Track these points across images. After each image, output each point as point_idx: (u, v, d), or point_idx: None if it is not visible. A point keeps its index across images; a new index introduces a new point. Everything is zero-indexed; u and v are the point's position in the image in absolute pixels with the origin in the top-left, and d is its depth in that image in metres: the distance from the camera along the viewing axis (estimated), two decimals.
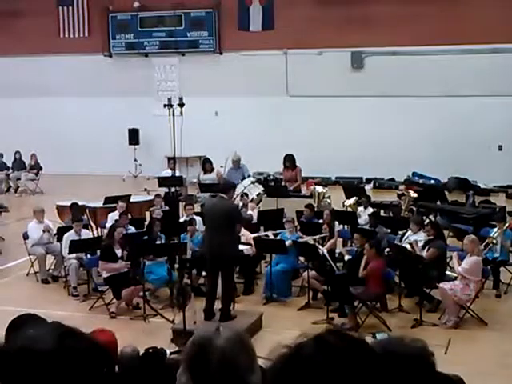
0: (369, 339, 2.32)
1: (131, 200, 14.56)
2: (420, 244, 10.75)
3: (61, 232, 12.06)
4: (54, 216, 14.09)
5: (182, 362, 2.06)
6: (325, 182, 19.08)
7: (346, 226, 12.96)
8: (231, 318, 9.43)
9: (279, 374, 1.63)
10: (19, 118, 23.46)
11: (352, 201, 13.90)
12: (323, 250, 10.61)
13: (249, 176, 15.73)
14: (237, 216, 10.05)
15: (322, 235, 11.28)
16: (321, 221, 11.92)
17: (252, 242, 11.36)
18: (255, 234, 11.90)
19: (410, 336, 2.31)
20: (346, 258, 10.64)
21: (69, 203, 13.61)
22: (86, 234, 12.12)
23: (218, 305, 9.64)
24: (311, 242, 10.95)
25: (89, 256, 11.49)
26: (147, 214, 14.01)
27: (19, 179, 21.13)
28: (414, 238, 10.91)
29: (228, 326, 2.12)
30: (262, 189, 14.85)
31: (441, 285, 9.84)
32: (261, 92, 21.43)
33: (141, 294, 10.46)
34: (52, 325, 1.85)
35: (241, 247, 10.99)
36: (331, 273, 10.26)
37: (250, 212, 13.16)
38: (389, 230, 12.21)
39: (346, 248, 11.52)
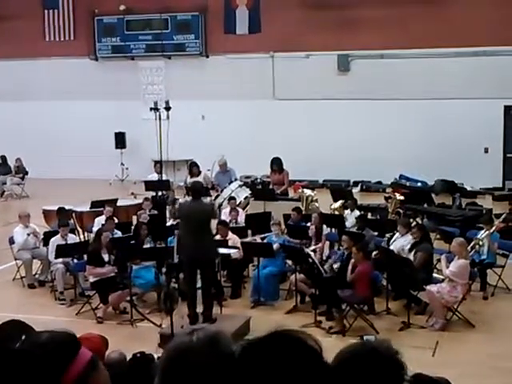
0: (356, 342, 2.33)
1: (118, 204, 14.50)
2: (407, 247, 10.77)
3: (47, 237, 12.00)
4: (40, 220, 14.01)
5: (157, 375, 2.04)
6: (312, 185, 19.07)
7: (333, 229, 12.96)
8: (213, 321, 9.41)
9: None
10: (4, 122, 23.32)
11: (338, 204, 13.91)
12: (311, 253, 10.58)
13: (236, 179, 15.72)
14: (213, 214, 10.24)
15: (313, 247, 11.19)
16: (308, 224, 11.92)
17: (239, 245, 11.35)
18: (243, 240, 11.85)
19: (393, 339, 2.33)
20: (335, 266, 10.55)
21: (55, 207, 13.53)
22: (72, 238, 12.05)
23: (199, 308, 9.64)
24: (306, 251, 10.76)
25: (75, 261, 11.44)
26: (134, 218, 13.96)
27: (5, 183, 21.01)
28: (402, 241, 10.93)
29: (203, 329, 2.07)
30: (250, 192, 14.85)
31: (428, 287, 9.85)
32: (248, 95, 21.43)
33: (128, 298, 10.41)
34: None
35: (228, 251, 10.99)
36: (319, 276, 10.25)
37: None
38: (376, 233, 12.23)
39: (334, 257, 11.17)
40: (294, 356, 1.77)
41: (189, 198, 10.35)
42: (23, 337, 1.87)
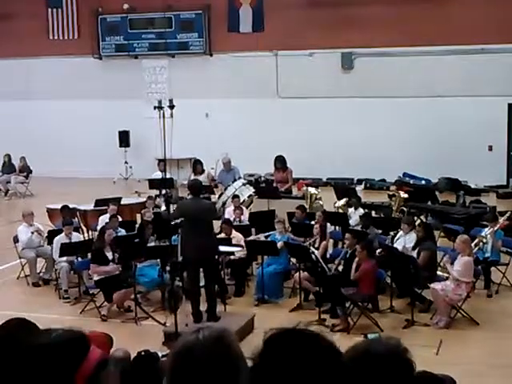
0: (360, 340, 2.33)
1: (122, 202, 14.51)
2: (411, 245, 10.75)
3: (51, 235, 12.02)
4: (44, 219, 14.03)
5: (166, 374, 2.05)
6: (316, 183, 19.08)
7: (337, 227, 12.96)
8: (217, 319, 9.42)
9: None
10: (8, 121, 23.36)
11: (342, 202, 13.90)
12: (315, 251, 10.58)
13: (240, 178, 15.72)
14: (214, 212, 10.30)
15: (313, 239, 11.20)
16: (312, 222, 11.91)
17: (243, 243, 11.36)
18: (247, 239, 11.84)
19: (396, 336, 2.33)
20: (340, 268, 10.50)
21: (59, 206, 13.55)
22: (76, 236, 12.07)
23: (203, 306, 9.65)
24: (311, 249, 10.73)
25: (80, 259, 11.46)
26: (138, 216, 13.97)
27: (9, 182, 21.04)
28: (406, 239, 10.91)
29: (209, 328, 2.09)
30: (253, 190, 14.84)
31: (432, 285, 9.85)
32: (251, 93, 21.42)
33: (132, 296, 10.42)
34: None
35: (232, 249, 10.99)
36: (323, 274, 10.24)
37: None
38: (380, 231, 12.22)
39: (339, 258, 11.11)
40: (315, 353, 1.77)
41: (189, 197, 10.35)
42: (34, 334, 1.87)
